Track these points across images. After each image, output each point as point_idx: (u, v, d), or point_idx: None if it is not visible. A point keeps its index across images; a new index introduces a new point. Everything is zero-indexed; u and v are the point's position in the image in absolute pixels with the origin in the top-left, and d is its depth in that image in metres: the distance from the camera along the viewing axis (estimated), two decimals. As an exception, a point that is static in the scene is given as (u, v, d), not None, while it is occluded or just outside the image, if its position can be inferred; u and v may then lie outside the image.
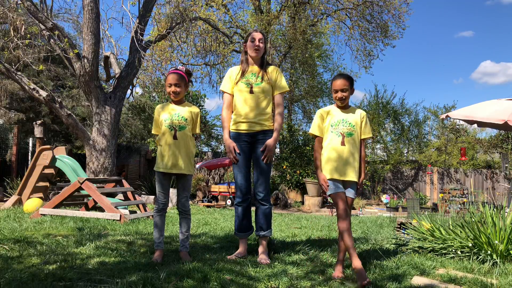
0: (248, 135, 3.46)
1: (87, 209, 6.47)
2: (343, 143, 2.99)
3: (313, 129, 3.13)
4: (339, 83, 3.03)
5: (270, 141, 3.42)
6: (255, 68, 3.52)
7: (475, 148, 18.29)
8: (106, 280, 2.55)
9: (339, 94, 3.03)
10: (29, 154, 10.80)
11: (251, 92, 3.44)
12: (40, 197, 7.52)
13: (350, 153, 2.99)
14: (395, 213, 10.73)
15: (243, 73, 3.50)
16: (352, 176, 2.98)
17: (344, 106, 3.11)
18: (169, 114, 3.31)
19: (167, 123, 3.29)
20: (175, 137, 3.27)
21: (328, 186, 2.97)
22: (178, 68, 3.46)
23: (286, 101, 16.74)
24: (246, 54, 3.54)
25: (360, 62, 14.98)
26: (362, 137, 3.09)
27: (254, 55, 3.49)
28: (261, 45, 3.48)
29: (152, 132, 3.43)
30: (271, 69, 3.55)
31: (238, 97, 3.49)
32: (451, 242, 3.62)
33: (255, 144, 3.47)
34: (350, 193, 3.00)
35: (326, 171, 3.00)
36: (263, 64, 3.53)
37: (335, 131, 3.03)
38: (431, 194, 15.82)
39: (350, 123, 3.04)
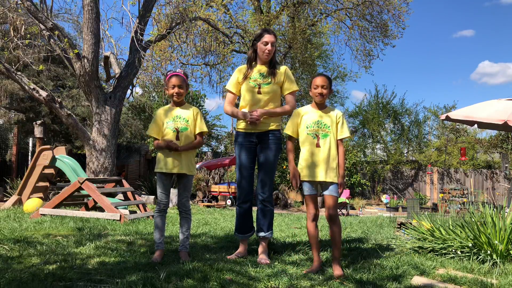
0: (254, 134, 3.44)
1: (87, 209, 6.47)
2: (318, 145, 3.03)
3: (289, 130, 3.19)
4: (319, 79, 3.11)
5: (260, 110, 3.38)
6: (263, 68, 3.47)
7: (475, 148, 18.30)
8: (106, 280, 2.55)
9: (319, 90, 3.08)
10: (29, 154, 10.80)
11: (259, 93, 3.41)
12: (40, 197, 7.52)
13: (326, 154, 3.02)
14: (395, 213, 10.74)
15: (249, 73, 3.46)
16: (329, 176, 3.00)
17: (321, 106, 3.14)
18: (172, 117, 3.33)
19: (170, 125, 3.30)
20: (177, 138, 3.28)
21: (297, 183, 3.07)
22: (177, 71, 3.46)
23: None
24: (255, 52, 3.48)
25: (360, 62, 14.98)
26: (339, 137, 3.09)
27: (265, 59, 3.44)
28: (273, 48, 3.43)
29: (149, 132, 3.36)
30: (280, 69, 3.50)
31: (245, 97, 3.46)
32: (451, 242, 3.62)
33: (261, 144, 3.44)
34: (331, 191, 3.01)
35: (303, 173, 3.07)
36: (272, 64, 3.48)
37: (310, 132, 3.07)
38: (431, 194, 15.83)
39: (325, 124, 3.07)
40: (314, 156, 3.03)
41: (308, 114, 3.14)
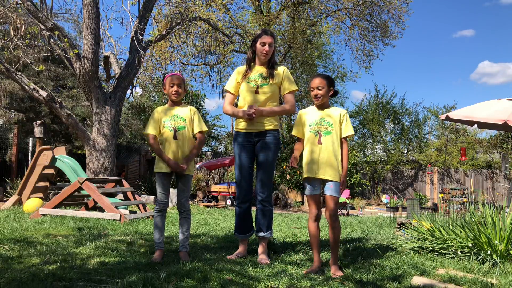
0: (252, 134, 3.44)
1: (87, 209, 6.47)
2: (319, 142, 3.05)
3: (294, 131, 3.25)
4: (315, 81, 3.14)
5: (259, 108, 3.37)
6: (262, 68, 3.47)
7: (475, 148, 18.30)
8: (106, 280, 2.55)
9: (315, 92, 3.11)
10: (29, 154, 10.79)
11: (257, 93, 3.42)
12: (40, 197, 7.52)
13: (327, 152, 3.02)
14: (395, 213, 10.74)
15: (248, 73, 3.47)
16: (330, 174, 3.00)
17: (323, 105, 3.16)
18: (169, 116, 3.34)
19: (167, 124, 3.31)
20: (175, 137, 3.28)
21: (296, 160, 3.13)
22: (176, 72, 3.49)
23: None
24: (253, 53, 3.49)
25: (360, 62, 14.99)
26: (343, 135, 3.09)
27: (263, 59, 3.45)
28: (271, 49, 3.44)
29: (146, 131, 3.33)
30: (279, 70, 3.50)
31: (243, 97, 3.46)
32: (451, 242, 3.62)
33: (260, 143, 3.44)
34: (330, 191, 3.02)
35: (303, 170, 3.10)
36: (270, 65, 3.48)
37: (312, 130, 3.09)
38: (431, 194, 15.82)
39: (328, 122, 3.08)
40: (315, 154, 3.04)
41: (310, 114, 3.16)
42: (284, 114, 3.57)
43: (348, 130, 3.09)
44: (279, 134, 3.56)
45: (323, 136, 3.05)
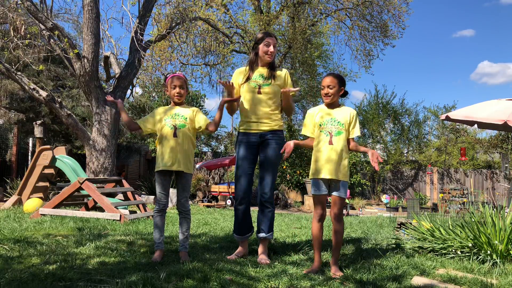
0: (256, 135, 3.45)
1: (87, 209, 6.47)
2: (330, 142, 3.02)
3: (304, 130, 3.21)
4: (326, 80, 3.12)
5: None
6: (264, 69, 3.49)
7: (475, 148, 18.29)
8: (106, 280, 2.55)
9: (325, 90, 3.10)
10: (29, 154, 10.78)
11: (259, 93, 3.43)
12: (40, 197, 7.52)
13: (338, 152, 3.00)
14: (395, 213, 10.74)
15: (250, 75, 3.49)
16: (338, 175, 2.99)
17: (333, 104, 3.14)
18: (170, 115, 3.36)
19: (168, 122, 3.32)
20: (175, 135, 3.29)
21: (289, 150, 3.08)
22: (177, 73, 3.50)
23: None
24: (256, 55, 3.51)
25: (360, 62, 15.00)
26: (352, 136, 3.09)
27: (267, 60, 3.47)
28: (275, 50, 3.48)
29: (139, 121, 3.46)
30: (281, 72, 3.54)
31: (245, 98, 3.48)
32: (451, 242, 3.62)
33: (263, 144, 3.45)
34: (338, 192, 3.00)
35: (312, 171, 3.07)
36: (272, 66, 3.51)
37: (323, 130, 3.07)
38: (431, 194, 15.81)
39: (339, 122, 3.06)
40: (325, 154, 3.01)
41: (321, 113, 3.14)
42: (290, 110, 3.60)
43: (357, 131, 3.09)
44: (283, 134, 3.57)
45: (334, 136, 3.03)
